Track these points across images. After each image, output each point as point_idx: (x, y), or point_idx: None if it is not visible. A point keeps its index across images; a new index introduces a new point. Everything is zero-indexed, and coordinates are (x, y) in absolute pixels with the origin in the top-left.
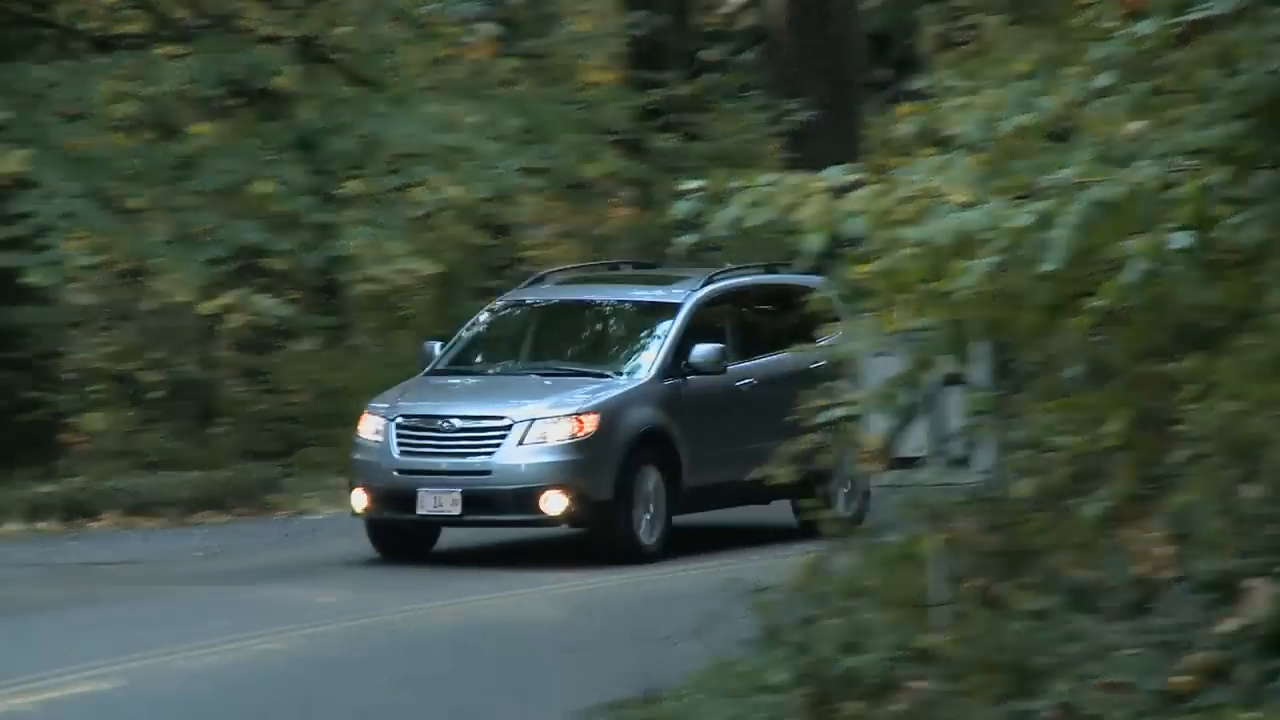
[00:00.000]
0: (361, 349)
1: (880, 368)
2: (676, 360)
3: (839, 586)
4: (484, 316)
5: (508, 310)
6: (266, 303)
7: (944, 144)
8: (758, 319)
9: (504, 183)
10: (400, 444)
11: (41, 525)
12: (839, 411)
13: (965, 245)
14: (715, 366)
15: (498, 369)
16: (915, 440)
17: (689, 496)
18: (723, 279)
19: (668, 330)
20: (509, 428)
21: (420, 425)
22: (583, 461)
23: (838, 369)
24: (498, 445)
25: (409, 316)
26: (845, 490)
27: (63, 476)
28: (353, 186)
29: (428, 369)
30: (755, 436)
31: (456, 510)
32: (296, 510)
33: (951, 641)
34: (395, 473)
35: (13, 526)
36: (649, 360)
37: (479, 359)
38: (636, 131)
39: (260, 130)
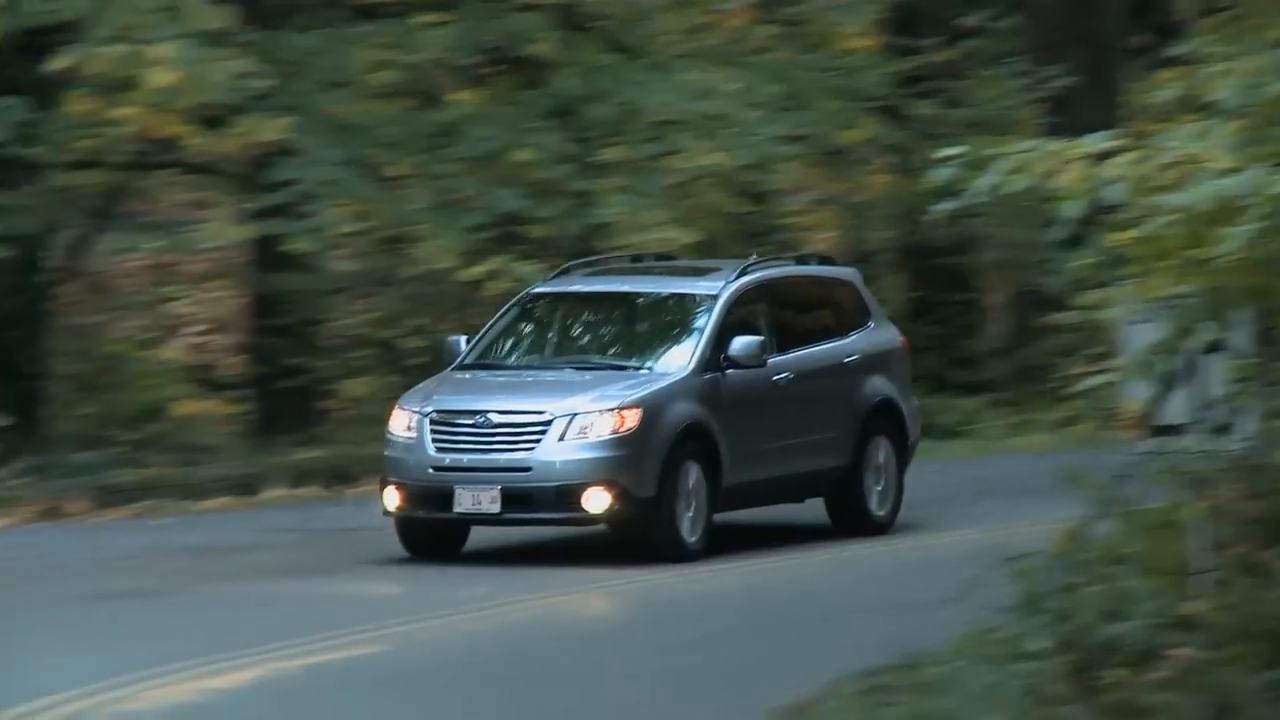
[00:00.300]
0: None
1: (1140, 335)
2: (715, 353)
3: (1099, 554)
4: (510, 310)
5: (535, 303)
6: (527, 269)
7: (1204, 110)
8: (791, 312)
9: (762, 150)
10: (435, 440)
11: (303, 491)
12: (1099, 379)
13: (1226, 212)
14: (755, 360)
15: (529, 363)
16: (1176, 407)
17: (728, 494)
18: (755, 270)
19: (705, 323)
20: (549, 423)
21: (456, 421)
22: (626, 457)
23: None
24: (537, 441)
25: None
26: (879, 488)
27: (324, 443)
28: (611, 154)
29: (454, 364)
30: (793, 432)
31: (495, 508)
32: None
33: (1213, 609)
34: (430, 470)
35: (276, 492)
36: (687, 353)
37: (508, 353)
38: (894, 98)
39: (519, 98)
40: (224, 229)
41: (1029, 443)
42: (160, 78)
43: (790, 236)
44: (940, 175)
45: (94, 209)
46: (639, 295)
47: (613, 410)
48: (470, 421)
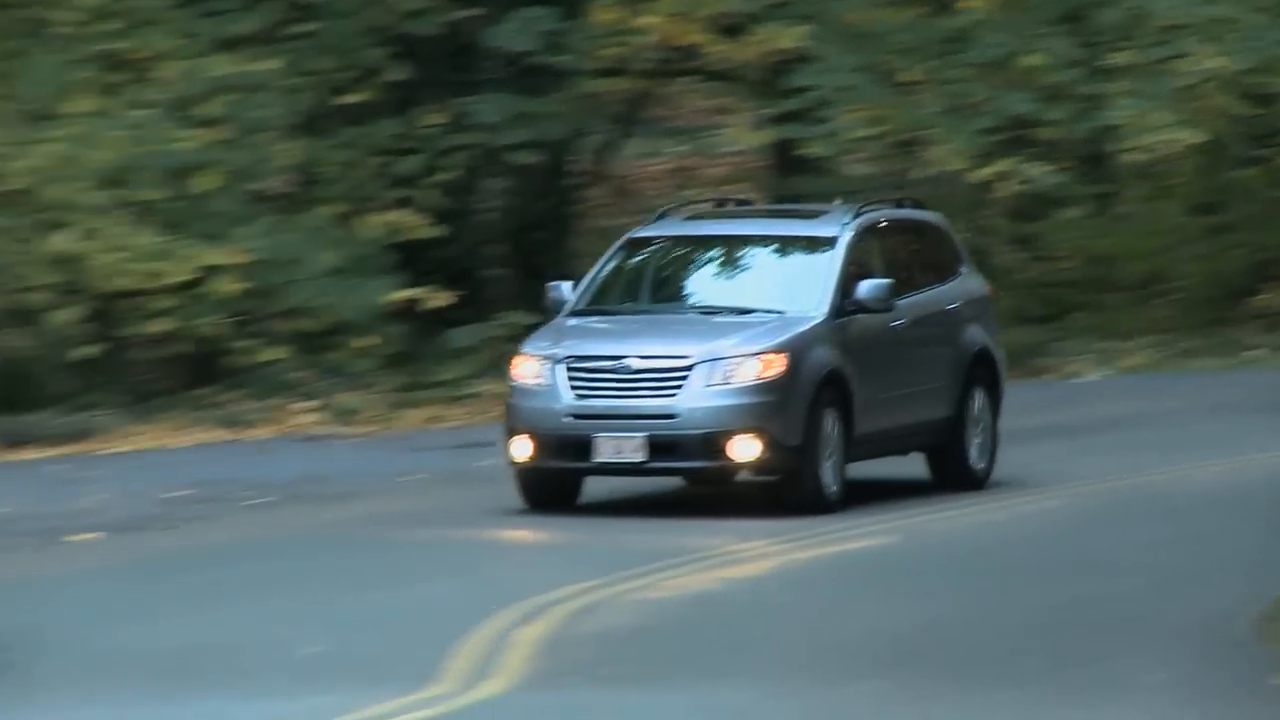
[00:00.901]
0: (1128, 217)
1: None
2: (843, 298)
3: None
4: (614, 255)
5: (640, 248)
6: (1036, 171)
7: None
8: (899, 257)
9: (1267, 53)
10: (573, 387)
11: None
12: None
13: None
14: (884, 304)
15: (649, 308)
16: None
17: (857, 443)
18: (867, 212)
19: (829, 266)
20: (691, 368)
21: (594, 367)
22: (774, 404)
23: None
24: (680, 387)
25: (1174, 185)
26: (978, 440)
27: None
28: (1119, 58)
29: (567, 309)
30: (909, 381)
31: (640, 457)
32: (1065, 373)
33: None
34: (568, 418)
35: None
36: (817, 297)
37: (622, 299)
38: None
39: (1029, 3)
40: (743, 134)
41: None
42: None
43: None
44: None
45: (618, 115)
46: (753, 238)
47: (758, 355)
48: (609, 367)
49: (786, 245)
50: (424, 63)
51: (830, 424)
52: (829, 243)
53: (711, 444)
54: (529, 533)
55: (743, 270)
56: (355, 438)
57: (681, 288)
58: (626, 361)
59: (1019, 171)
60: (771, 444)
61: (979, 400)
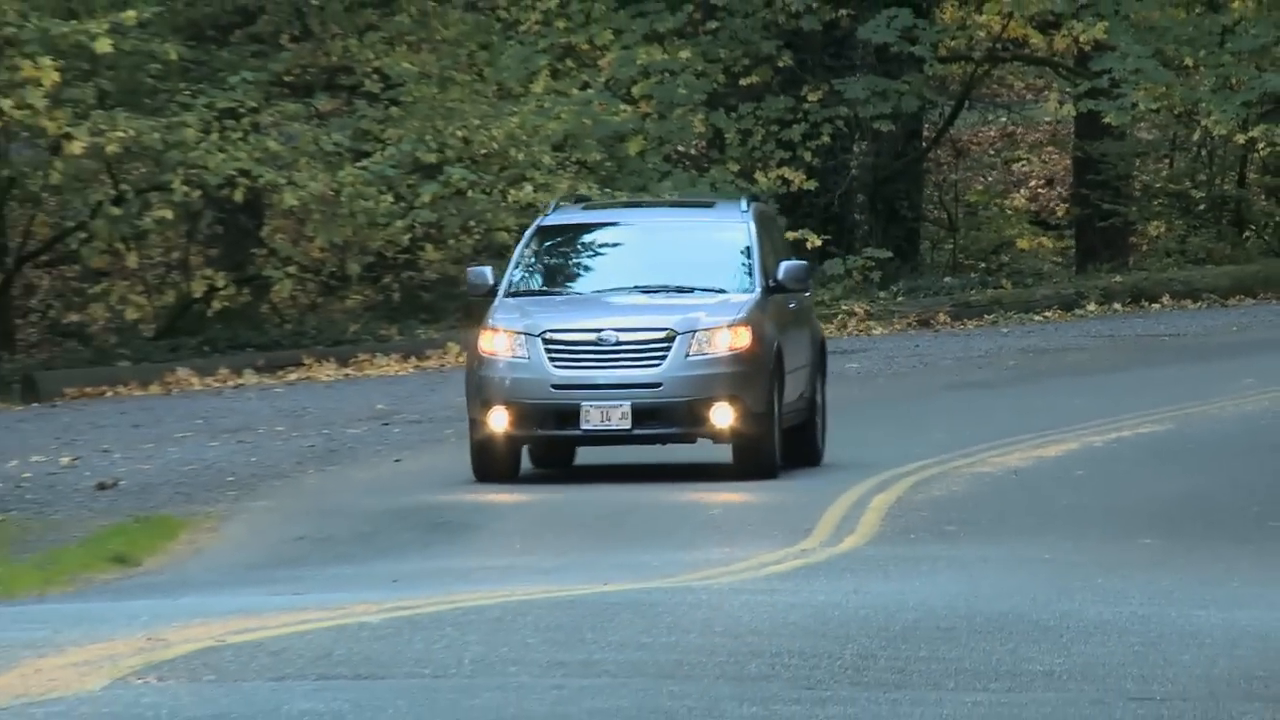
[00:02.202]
0: None
1: None
2: (765, 277)
3: None
4: (531, 241)
5: (558, 235)
6: None
7: None
8: (775, 243)
9: None
10: (554, 360)
11: (1115, 306)
12: None
13: None
14: (801, 284)
15: (593, 288)
16: None
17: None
18: (755, 203)
19: (747, 248)
20: (673, 339)
21: (574, 340)
22: (747, 373)
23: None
24: (663, 357)
25: None
26: (820, 420)
27: (1130, 270)
28: None
29: (504, 291)
30: (797, 359)
31: (626, 425)
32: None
33: None
34: (551, 388)
35: (1091, 307)
36: (749, 276)
37: (558, 281)
38: None
39: None
40: (1055, 107)
41: None
42: None
43: None
44: None
45: (958, 93)
46: (665, 224)
47: (730, 326)
48: (590, 340)
49: (699, 230)
50: (806, 52)
51: (777, 394)
52: (737, 228)
53: (694, 411)
54: (906, 414)
55: (665, 253)
56: None
57: (613, 269)
58: (606, 334)
59: (1272, 136)
60: (745, 412)
61: (818, 383)
